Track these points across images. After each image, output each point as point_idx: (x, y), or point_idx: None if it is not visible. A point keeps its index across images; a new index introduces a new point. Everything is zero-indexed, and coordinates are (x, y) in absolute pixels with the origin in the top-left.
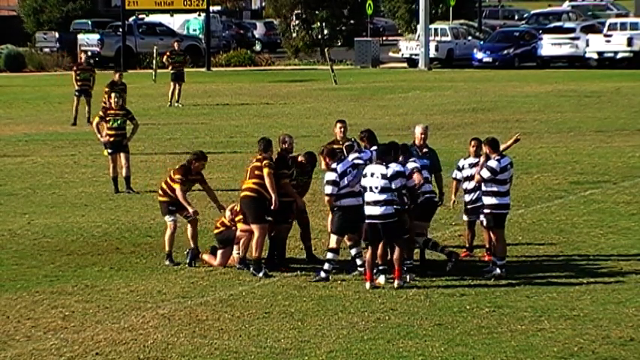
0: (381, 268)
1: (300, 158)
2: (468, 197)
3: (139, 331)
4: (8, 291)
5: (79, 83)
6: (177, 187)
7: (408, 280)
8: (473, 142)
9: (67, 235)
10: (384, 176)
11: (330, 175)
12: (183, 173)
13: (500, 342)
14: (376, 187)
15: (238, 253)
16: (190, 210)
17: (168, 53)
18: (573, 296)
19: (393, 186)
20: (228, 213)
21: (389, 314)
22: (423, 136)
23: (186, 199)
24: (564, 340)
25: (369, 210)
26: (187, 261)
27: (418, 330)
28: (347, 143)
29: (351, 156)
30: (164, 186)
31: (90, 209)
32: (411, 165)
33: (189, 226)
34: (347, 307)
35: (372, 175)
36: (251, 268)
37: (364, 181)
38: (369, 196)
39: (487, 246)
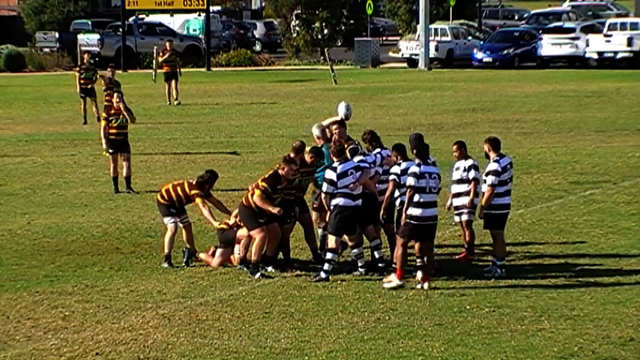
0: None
1: (307, 157)
2: (456, 200)
3: (139, 331)
4: (8, 291)
5: (82, 81)
6: (199, 201)
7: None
8: (455, 147)
9: (67, 235)
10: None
11: (329, 174)
12: (200, 188)
13: (500, 342)
14: (434, 188)
15: (239, 253)
16: (215, 224)
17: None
18: (573, 296)
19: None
20: (233, 220)
21: (389, 314)
22: None
23: (212, 215)
24: (564, 340)
25: (429, 212)
26: (184, 260)
27: (418, 330)
28: (351, 146)
29: (356, 158)
30: (172, 193)
31: (90, 209)
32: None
33: (184, 231)
34: (347, 307)
35: (430, 176)
36: (249, 271)
37: (422, 182)
38: (428, 197)
39: (466, 245)
